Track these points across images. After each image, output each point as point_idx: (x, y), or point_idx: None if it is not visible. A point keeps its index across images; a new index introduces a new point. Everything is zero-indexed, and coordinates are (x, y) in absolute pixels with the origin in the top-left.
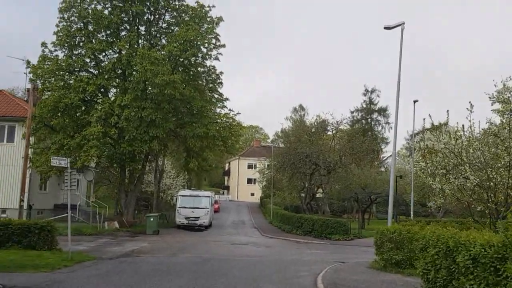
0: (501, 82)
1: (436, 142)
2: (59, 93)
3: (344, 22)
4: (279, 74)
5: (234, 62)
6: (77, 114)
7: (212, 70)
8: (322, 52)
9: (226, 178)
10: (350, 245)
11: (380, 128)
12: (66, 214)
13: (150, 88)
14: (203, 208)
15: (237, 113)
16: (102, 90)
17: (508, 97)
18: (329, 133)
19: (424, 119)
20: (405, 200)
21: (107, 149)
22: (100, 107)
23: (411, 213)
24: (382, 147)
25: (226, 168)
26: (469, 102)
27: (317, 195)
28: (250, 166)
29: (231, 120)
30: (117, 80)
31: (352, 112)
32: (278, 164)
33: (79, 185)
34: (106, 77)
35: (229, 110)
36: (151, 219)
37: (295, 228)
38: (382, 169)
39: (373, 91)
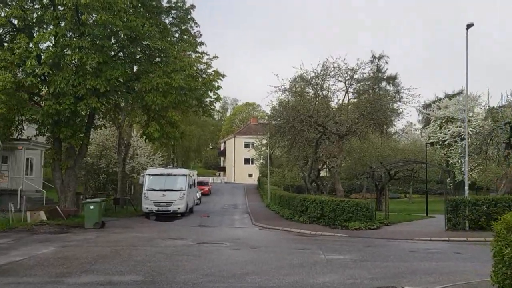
0: None
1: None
2: None
3: None
4: (287, 55)
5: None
6: None
7: (180, 3)
8: (323, 23)
9: (221, 159)
10: (380, 239)
11: (389, 98)
12: None
13: (83, 18)
14: (178, 190)
15: (214, 57)
16: (23, 28)
17: None
18: (341, 83)
19: None
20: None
21: (25, 108)
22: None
23: (466, 188)
24: (392, 119)
25: (222, 148)
26: None
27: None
28: (247, 145)
29: (205, 67)
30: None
31: (358, 82)
32: (275, 129)
33: (23, 165)
34: (26, 7)
35: (203, 53)
36: (91, 207)
37: (297, 213)
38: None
39: (381, 57)
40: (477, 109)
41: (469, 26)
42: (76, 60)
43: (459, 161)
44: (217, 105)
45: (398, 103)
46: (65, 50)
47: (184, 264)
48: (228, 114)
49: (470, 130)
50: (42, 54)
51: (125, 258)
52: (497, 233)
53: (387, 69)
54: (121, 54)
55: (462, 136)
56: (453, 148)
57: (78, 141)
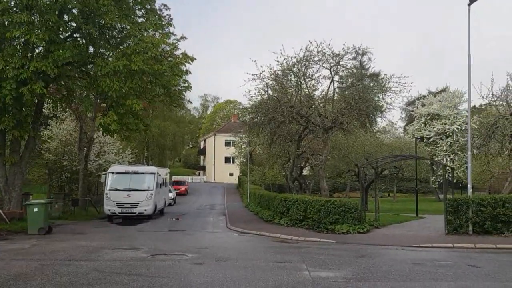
0: None
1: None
2: None
3: None
4: (269, 53)
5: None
6: None
7: None
8: (305, 20)
9: (201, 157)
10: (373, 246)
11: (372, 96)
12: None
13: None
14: (144, 190)
15: (182, 38)
16: None
17: None
18: (326, 70)
19: None
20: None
21: None
22: None
23: (469, 186)
24: (377, 113)
25: (202, 147)
26: None
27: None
28: (227, 143)
29: (171, 48)
30: None
31: (341, 78)
32: (253, 122)
33: None
34: None
35: (169, 33)
36: (35, 210)
37: (278, 215)
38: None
39: (364, 53)
40: (463, 106)
41: (472, 1)
42: (18, 36)
43: (445, 159)
44: (198, 103)
45: (389, 92)
46: (8, 28)
47: None
48: (208, 112)
49: (456, 128)
50: None
51: (46, 278)
52: None
53: (370, 66)
54: (76, 35)
55: (447, 133)
56: (438, 145)
57: (24, 133)
